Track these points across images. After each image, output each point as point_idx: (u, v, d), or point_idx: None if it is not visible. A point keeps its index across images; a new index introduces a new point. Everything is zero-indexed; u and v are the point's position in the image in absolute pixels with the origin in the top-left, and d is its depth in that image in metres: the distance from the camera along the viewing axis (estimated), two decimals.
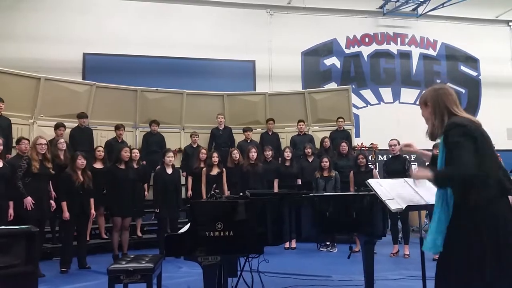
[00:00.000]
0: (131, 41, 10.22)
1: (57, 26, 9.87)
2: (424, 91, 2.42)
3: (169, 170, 6.33)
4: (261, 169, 6.92)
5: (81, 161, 5.51)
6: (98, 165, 6.34)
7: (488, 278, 1.99)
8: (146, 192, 6.81)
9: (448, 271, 2.11)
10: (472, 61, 12.31)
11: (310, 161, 7.25)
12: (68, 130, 7.28)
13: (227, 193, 6.58)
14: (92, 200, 5.70)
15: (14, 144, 6.36)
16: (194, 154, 7.41)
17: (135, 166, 6.35)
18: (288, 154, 7.11)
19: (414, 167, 9.59)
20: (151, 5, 10.55)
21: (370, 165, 7.02)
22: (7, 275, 2.90)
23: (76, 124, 7.40)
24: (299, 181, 7.10)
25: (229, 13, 11.03)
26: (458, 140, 2.08)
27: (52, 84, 7.54)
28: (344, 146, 7.24)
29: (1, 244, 2.96)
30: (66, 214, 5.35)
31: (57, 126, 6.86)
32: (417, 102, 2.48)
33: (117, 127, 7.50)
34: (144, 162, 7.38)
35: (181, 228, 3.80)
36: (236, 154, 7.10)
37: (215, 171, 6.73)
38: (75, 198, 5.43)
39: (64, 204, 5.37)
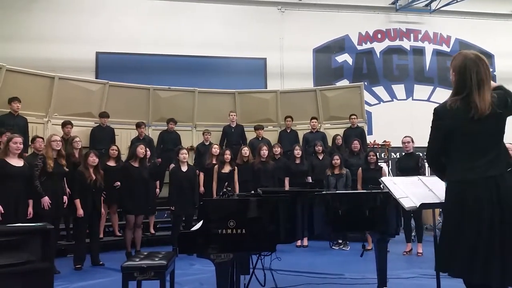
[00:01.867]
0: (143, 40, 10.30)
1: (70, 26, 9.99)
2: (456, 55, 2.30)
3: (184, 168, 6.36)
4: (272, 167, 6.91)
5: (93, 159, 5.55)
6: (111, 163, 6.40)
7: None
8: (157, 190, 6.85)
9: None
10: (487, 57, 11.88)
11: (321, 158, 7.21)
12: (81, 128, 7.38)
13: (238, 191, 6.59)
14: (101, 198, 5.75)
15: (29, 143, 6.48)
16: (206, 152, 7.44)
17: (147, 164, 6.38)
18: (298, 152, 7.09)
19: (427, 165, 9.50)
20: (163, 3, 10.61)
21: (380, 163, 6.96)
22: (25, 271, 2.95)
23: (93, 123, 7.57)
24: (310, 179, 7.08)
25: (240, 11, 11.03)
26: (431, 126, 2.27)
27: (66, 83, 7.64)
28: (356, 144, 7.20)
29: (18, 241, 3.01)
30: (80, 211, 5.40)
31: (64, 124, 6.93)
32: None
33: (138, 125, 7.55)
34: (160, 160, 7.45)
35: (195, 225, 3.81)
36: (246, 151, 7.10)
37: (226, 168, 6.73)
38: (87, 196, 5.48)
39: (78, 201, 5.42)
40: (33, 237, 3.11)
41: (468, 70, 2.17)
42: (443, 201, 3.19)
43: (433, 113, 2.26)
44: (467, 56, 2.22)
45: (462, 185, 2.18)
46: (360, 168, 6.63)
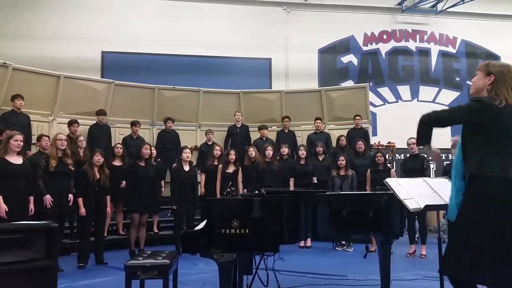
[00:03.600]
0: (149, 39, 10.32)
1: (76, 25, 10.03)
2: (490, 62, 2.48)
3: (186, 167, 6.36)
4: (277, 167, 6.90)
5: (98, 158, 5.56)
6: (117, 163, 6.41)
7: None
8: (163, 189, 6.86)
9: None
10: (493, 58, 12.02)
11: (321, 159, 7.21)
12: (86, 127, 7.41)
13: (241, 191, 6.57)
14: (108, 197, 5.75)
15: (33, 141, 6.51)
16: (209, 151, 7.44)
17: (154, 163, 6.39)
18: (302, 153, 7.07)
19: (432, 166, 9.45)
20: (168, 3, 10.63)
21: (388, 164, 6.91)
22: (29, 269, 2.96)
23: (95, 121, 7.53)
24: (315, 179, 7.06)
25: (246, 11, 11.04)
26: (465, 104, 2.34)
27: (71, 82, 7.67)
28: (360, 145, 7.16)
29: (22, 239, 3.02)
30: (82, 210, 5.42)
31: (71, 123, 6.97)
32: (478, 67, 2.53)
33: (133, 123, 7.58)
34: (159, 160, 7.46)
35: (197, 225, 3.82)
36: (252, 152, 7.08)
37: (231, 169, 6.70)
38: (90, 195, 5.49)
39: (80, 200, 5.43)
40: (38, 235, 3.11)
41: (508, 76, 2.34)
42: (448, 202, 3.19)
43: (479, 100, 2.30)
44: (505, 64, 2.45)
45: (504, 183, 2.16)
46: (369, 170, 6.59)
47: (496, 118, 2.23)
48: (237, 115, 8.27)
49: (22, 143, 4.88)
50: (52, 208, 5.14)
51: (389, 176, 6.03)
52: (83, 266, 5.42)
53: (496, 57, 12.00)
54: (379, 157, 6.49)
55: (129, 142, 7.30)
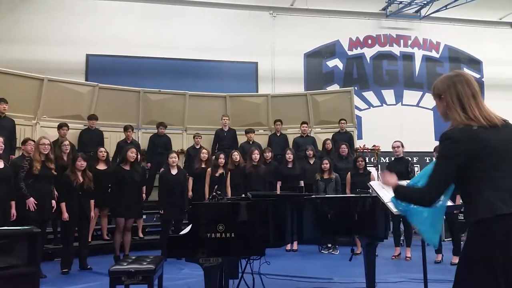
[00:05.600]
0: (134, 42, 10.26)
1: (61, 27, 9.93)
2: (435, 82, 2.00)
3: (174, 171, 6.32)
4: (264, 171, 6.91)
5: (81, 163, 5.48)
6: (101, 166, 6.34)
7: None
8: (143, 194, 6.78)
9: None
10: (475, 63, 12.29)
11: (312, 163, 7.24)
12: (77, 131, 7.32)
13: (229, 195, 6.55)
14: (92, 201, 5.68)
15: (18, 145, 6.39)
16: (196, 155, 7.40)
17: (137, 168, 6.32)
18: (289, 156, 7.09)
19: (416, 169, 9.57)
20: (155, 6, 10.60)
21: (369, 168, 7.00)
22: (10, 275, 2.91)
23: (82, 125, 7.52)
24: (302, 183, 7.08)
25: (232, 15, 11.06)
26: (440, 155, 1.86)
27: (55, 85, 7.58)
28: (344, 149, 7.22)
29: (3, 245, 2.97)
30: (65, 215, 5.33)
31: (60, 126, 6.88)
32: (431, 93, 2.08)
33: (125, 128, 7.50)
34: (149, 164, 7.39)
35: (184, 229, 3.79)
36: (236, 155, 7.06)
37: (218, 172, 6.69)
38: (74, 199, 5.41)
39: (63, 205, 5.35)
40: (20, 240, 3.07)
41: (458, 86, 1.89)
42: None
43: (444, 138, 1.83)
44: (448, 76, 1.97)
45: (493, 223, 1.71)
46: (349, 173, 6.66)
47: (473, 144, 1.77)
48: (224, 119, 8.26)
49: (3, 145, 4.80)
50: (34, 213, 5.04)
51: (369, 180, 6.10)
52: (67, 272, 5.33)
53: (478, 61, 12.25)
54: (360, 161, 6.56)
55: (123, 147, 7.20)
